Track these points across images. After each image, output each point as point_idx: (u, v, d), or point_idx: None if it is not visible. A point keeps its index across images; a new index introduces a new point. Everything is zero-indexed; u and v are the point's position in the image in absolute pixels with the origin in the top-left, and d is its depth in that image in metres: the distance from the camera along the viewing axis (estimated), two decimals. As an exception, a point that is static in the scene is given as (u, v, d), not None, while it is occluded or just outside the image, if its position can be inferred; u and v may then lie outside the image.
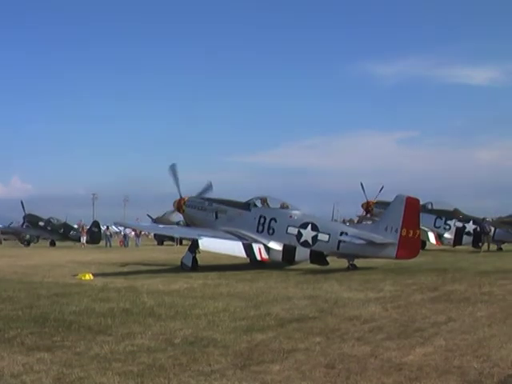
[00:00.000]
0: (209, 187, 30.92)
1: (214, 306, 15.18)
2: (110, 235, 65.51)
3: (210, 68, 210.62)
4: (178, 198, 30.99)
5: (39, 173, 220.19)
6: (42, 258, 38.59)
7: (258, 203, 28.43)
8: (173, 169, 30.72)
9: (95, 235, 61.04)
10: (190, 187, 31.78)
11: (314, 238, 26.50)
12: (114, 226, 69.90)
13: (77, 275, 23.62)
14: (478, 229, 44.23)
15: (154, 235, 67.21)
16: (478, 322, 12.89)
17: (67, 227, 64.08)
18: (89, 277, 23.01)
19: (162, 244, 63.55)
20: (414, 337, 11.22)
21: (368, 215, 48.55)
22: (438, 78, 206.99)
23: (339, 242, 25.98)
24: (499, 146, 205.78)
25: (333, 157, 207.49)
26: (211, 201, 29.83)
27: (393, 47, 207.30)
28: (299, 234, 26.77)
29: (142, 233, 67.90)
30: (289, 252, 26.97)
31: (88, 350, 10.18)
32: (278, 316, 13.55)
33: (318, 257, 26.84)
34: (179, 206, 31.02)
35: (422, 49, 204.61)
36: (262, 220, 27.58)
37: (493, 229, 45.16)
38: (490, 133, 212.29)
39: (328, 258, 27.17)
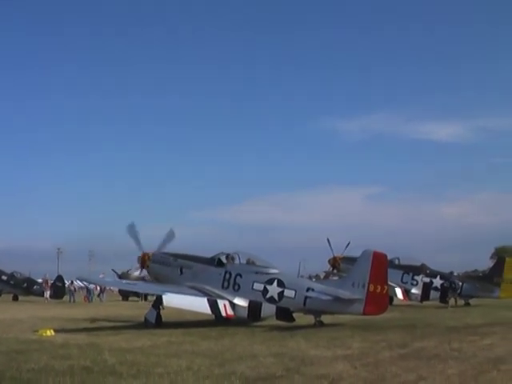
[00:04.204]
0: (171, 235, 30.39)
1: (178, 364, 14.69)
2: (75, 290, 64.56)
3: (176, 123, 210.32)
4: (142, 253, 30.44)
5: (4, 226, 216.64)
6: (4, 312, 37.73)
7: (224, 259, 28.06)
8: (131, 229, 30.24)
9: (59, 290, 60.11)
10: (153, 241, 31.24)
11: (280, 294, 26.11)
12: (78, 281, 68.98)
13: (37, 331, 22.89)
14: (448, 284, 44.43)
15: (119, 290, 66.51)
16: (449, 380, 12.68)
17: (30, 282, 63.14)
18: (50, 333, 22.35)
19: (127, 299, 62.78)
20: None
21: (334, 271, 48.35)
22: (404, 134, 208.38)
23: (305, 298, 25.62)
24: (465, 201, 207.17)
25: (298, 213, 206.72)
26: (176, 256, 29.33)
27: (358, 104, 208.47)
28: (265, 290, 26.38)
29: (107, 288, 66.99)
30: (254, 308, 26.49)
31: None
32: (244, 375, 13.12)
33: (284, 313, 26.39)
34: (143, 261, 30.47)
35: (387, 105, 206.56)
36: (227, 276, 27.22)
37: (460, 284, 45.50)
38: (456, 188, 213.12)
39: (294, 315, 26.76)
